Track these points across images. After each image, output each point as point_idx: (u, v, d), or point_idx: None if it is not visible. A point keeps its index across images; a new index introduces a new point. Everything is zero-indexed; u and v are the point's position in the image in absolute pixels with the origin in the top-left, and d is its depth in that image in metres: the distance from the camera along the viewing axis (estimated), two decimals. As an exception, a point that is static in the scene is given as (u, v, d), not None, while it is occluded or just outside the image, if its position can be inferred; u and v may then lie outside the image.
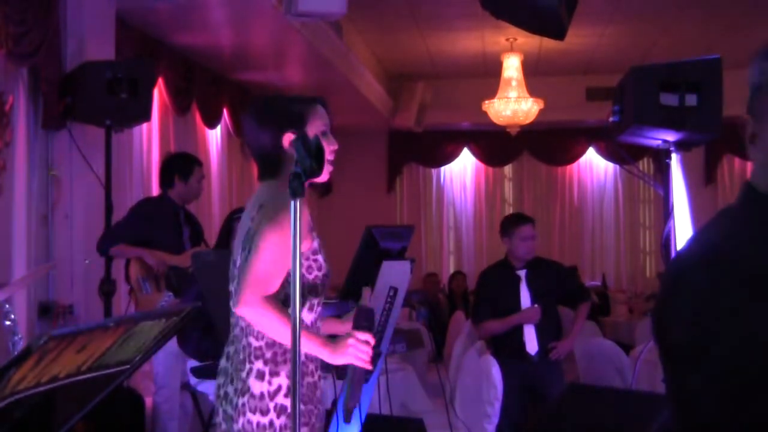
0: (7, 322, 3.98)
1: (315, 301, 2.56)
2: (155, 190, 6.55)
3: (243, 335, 2.51)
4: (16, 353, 1.47)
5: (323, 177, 2.34)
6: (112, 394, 1.94)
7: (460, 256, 12.57)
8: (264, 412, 2.40)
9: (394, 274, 3.36)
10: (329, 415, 3.37)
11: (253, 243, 2.44)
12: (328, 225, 12.14)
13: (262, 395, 2.42)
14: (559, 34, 3.93)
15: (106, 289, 5.17)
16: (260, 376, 2.43)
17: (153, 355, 2.16)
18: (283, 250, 2.36)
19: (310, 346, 2.44)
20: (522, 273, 5.00)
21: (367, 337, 2.44)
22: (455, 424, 4.38)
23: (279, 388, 2.42)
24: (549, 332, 4.94)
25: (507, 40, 9.31)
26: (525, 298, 4.96)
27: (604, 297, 10.48)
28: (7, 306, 3.99)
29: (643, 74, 4.03)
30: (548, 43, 9.06)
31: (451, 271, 11.73)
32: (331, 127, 2.64)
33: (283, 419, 2.40)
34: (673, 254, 3.96)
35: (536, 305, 4.90)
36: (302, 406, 2.38)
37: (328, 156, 2.52)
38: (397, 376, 5.03)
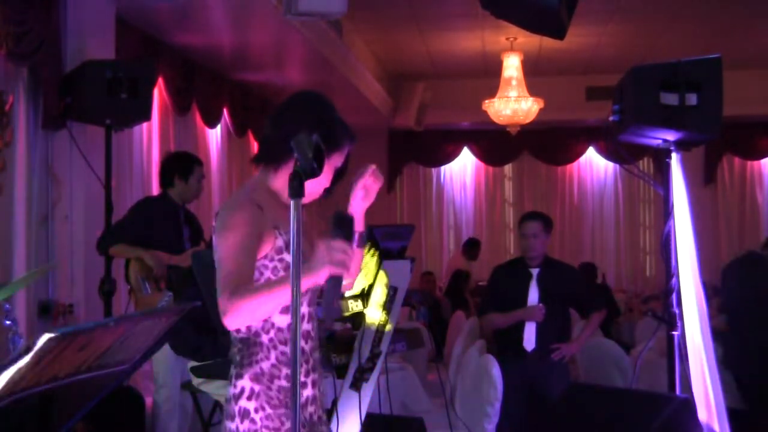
0: (7, 322, 3.98)
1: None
2: (155, 190, 6.55)
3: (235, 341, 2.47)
4: (16, 353, 1.47)
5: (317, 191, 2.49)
6: (112, 393, 1.94)
7: (460, 255, 12.57)
8: (231, 418, 2.34)
9: (394, 273, 3.36)
10: (329, 415, 3.36)
11: (214, 252, 2.41)
12: (328, 225, 12.13)
13: (229, 399, 2.37)
14: (559, 34, 3.93)
15: (106, 288, 5.17)
16: (230, 379, 2.39)
17: (153, 355, 2.16)
18: (235, 249, 2.36)
19: (284, 291, 2.16)
20: (534, 272, 5.00)
21: (342, 245, 2.24)
22: (455, 423, 4.38)
23: (242, 390, 2.34)
24: (551, 333, 4.93)
25: (507, 39, 9.31)
26: (533, 296, 4.96)
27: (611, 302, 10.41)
28: (7, 305, 3.99)
29: (643, 74, 4.02)
30: (548, 43, 9.06)
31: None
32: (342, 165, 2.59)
33: (247, 424, 2.31)
34: (672, 254, 3.96)
35: (541, 304, 4.90)
36: (271, 411, 2.31)
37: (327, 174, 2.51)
38: (397, 375, 5.03)
